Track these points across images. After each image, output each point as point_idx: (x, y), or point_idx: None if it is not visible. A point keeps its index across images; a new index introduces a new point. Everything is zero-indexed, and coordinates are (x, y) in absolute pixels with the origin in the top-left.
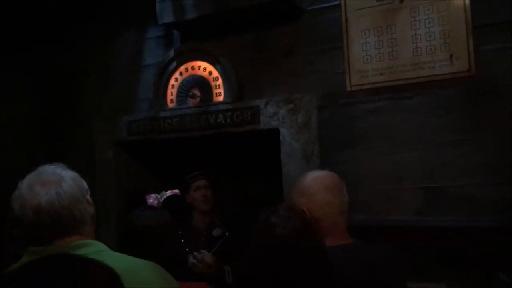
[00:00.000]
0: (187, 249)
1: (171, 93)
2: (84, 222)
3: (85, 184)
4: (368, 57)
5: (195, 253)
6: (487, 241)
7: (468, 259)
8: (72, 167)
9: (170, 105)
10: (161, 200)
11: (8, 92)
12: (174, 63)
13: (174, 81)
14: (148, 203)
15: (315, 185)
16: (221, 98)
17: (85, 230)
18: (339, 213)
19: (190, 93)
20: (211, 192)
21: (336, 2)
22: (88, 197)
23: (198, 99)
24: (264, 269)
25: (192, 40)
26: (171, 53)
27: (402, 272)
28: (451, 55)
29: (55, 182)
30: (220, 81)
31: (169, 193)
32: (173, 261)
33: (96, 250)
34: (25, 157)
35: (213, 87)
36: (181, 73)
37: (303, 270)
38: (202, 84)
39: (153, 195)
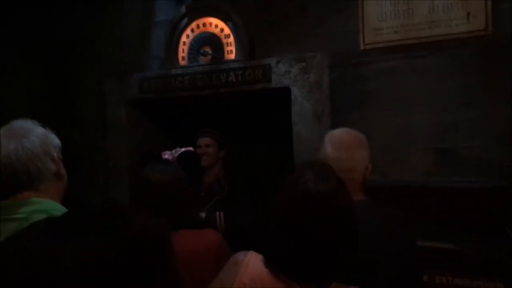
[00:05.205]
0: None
1: (183, 50)
2: (41, 179)
3: (54, 142)
4: (383, 14)
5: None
6: (495, 202)
7: (476, 219)
8: (85, 127)
9: (182, 62)
10: (175, 155)
11: (17, 56)
12: (186, 20)
13: (186, 38)
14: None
15: (326, 138)
16: (232, 56)
17: (40, 187)
18: (339, 170)
19: (202, 51)
20: (214, 150)
21: None
22: (55, 154)
23: (210, 57)
24: (287, 222)
25: None
26: (183, 9)
27: (406, 234)
28: (468, 13)
29: (18, 136)
30: (231, 39)
31: (183, 149)
32: (186, 215)
33: (36, 209)
34: (38, 120)
35: (225, 45)
36: (192, 30)
37: (328, 227)
38: (214, 41)
39: (168, 152)
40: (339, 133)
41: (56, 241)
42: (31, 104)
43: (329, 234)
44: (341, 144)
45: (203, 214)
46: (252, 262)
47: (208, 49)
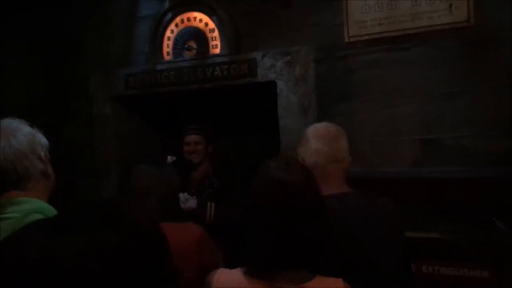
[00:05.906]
0: None
1: (167, 45)
2: (28, 178)
3: (42, 141)
4: (366, 7)
5: (181, 194)
6: (482, 192)
7: (463, 209)
8: (73, 123)
9: (167, 57)
10: (171, 161)
11: (17, 56)
12: (170, 14)
13: (170, 33)
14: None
15: (309, 133)
16: (217, 51)
17: (28, 186)
18: (329, 161)
19: (186, 46)
20: (202, 147)
21: None
22: (43, 153)
23: (195, 51)
24: (259, 208)
25: None
26: (166, 3)
27: (399, 225)
28: (451, 5)
29: (6, 135)
30: (216, 33)
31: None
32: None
33: (23, 209)
34: (27, 116)
35: (210, 39)
36: (176, 25)
37: (295, 211)
38: (198, 36)
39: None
40: (323, 127)
41: (54, 238)
42: (31, 104)
43: (299, 220)
44: (329, 137)
45: (194, 203)
46: (222, 277)
47: (193, 44)
